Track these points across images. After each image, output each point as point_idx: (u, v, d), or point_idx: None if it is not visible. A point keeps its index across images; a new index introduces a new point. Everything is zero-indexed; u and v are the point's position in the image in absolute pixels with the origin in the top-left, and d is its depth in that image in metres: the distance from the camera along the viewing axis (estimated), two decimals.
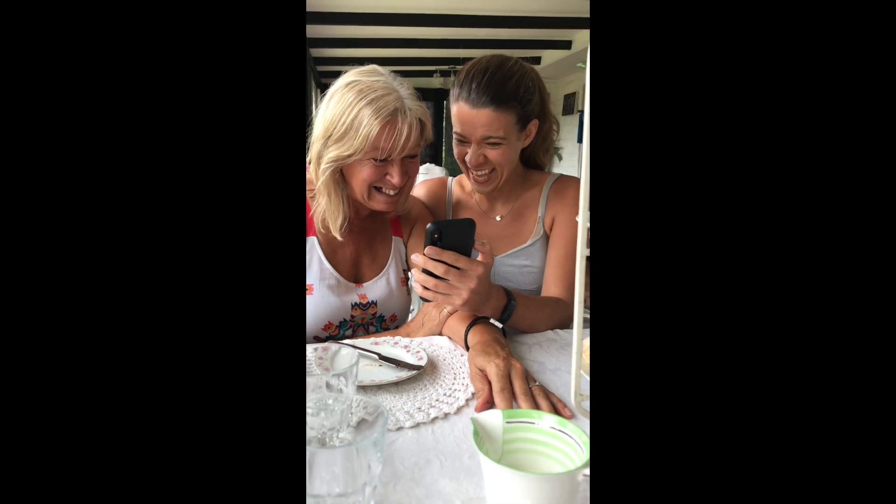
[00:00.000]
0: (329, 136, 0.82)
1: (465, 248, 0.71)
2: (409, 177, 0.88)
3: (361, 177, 0.84)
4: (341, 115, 0.80)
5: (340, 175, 0.87)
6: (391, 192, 0.87)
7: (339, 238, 0.90)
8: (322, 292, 0.90)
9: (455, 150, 1.00)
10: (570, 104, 6.89)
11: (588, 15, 0.35)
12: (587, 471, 0.39)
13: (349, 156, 0.81)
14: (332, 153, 0.82)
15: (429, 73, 6.55)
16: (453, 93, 0.95)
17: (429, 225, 0.68)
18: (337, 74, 0.90)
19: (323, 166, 0.84)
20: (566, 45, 5.44)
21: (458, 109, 0.93)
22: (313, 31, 4.70)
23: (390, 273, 0.98)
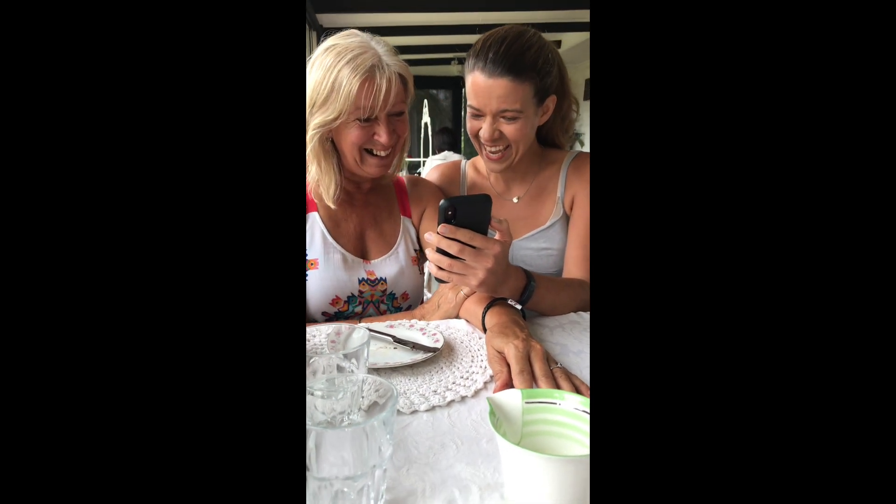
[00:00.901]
0: (314, 104, 0.82)
1: (480, 226, 0.68)
2: (397, 136, 0.86)
3: (350, 140, 0.83)
4: (322, 79, 0.80)
5: (331, 144, 0.87)
6: (382, 153, 0.86)
7: (332, 206, 0.89)
8: (327, 266, 0.89)
9: (468, 125, 0.95)
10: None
11: None
12: None
13: (334, 119, 0.80)
14: (317, 119, 0.81)
15: (446, 61, 6.47)
16: (468, 64, 0.90)
17: (442, 201, 0.65)
18: None
19: (310, 133, 0.83)
20: (587, 26, 5.30)
21: (473, 80, 0.89)
22: (328, 19, 4.68)
23: (399, 251, 0.96)
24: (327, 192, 0.88)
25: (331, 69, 0.79)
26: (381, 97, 0.79)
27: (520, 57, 0.86)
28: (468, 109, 0.94)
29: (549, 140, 1.07)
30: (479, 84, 0.88)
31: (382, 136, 0.83)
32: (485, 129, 0.90)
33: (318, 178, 0.87)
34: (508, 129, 0.90)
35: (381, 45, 0.82)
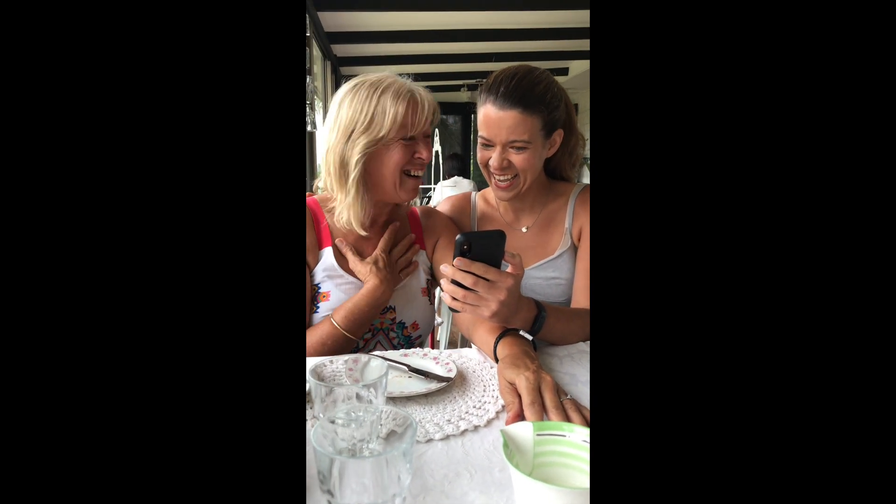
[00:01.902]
0: (352, 130, 0.87)
1: (494, 260, 0.71)
2: (430, 153, 0.94)
3: (394, 160, 0.89)
4: (362, 108, 0.86)
5: (366, 171, 0.92)
6: (419, 173, 0.93)
7: (362, 232, 0.93)
8: (338, 297, 0.92)
9: (479, 155, 1.01)
10: None
11: None
12: None
13: (382, 137, 0.87)
14: (362, 141, 0.87)
15: (456, 88, 6.61)
16: (480, 98, 0.96)
17: (458, 236, 0.68)
18: None
19: (355, 159, 0.88)
20: None
21: (485, 112, 0.94)
22: (342, 50, 4.83)
23: (411, 282, 1.00)
24: (357, 218, 0.91)
25: (369, 98, 0.87)
26: (426, 114, 0.89)
27: (529, 91, 0.91)
28: (479, 140, 0.99)
29: (557, 173, 1.11)
30: (490, 116, 0.93)
31: (424, 153, 0.91)
32: (494, 158, 0.95)
33: (353, 208, 0.90)
34: (517, 158, 0.95)
35: (405, 78, 0.92)
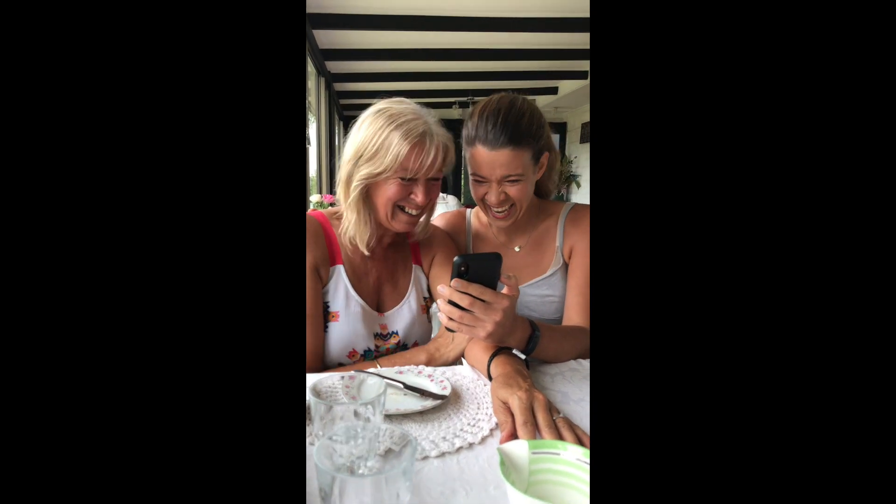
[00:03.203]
0: (360, 157, 0.88)
1: (491, 282, 0.73)
2: (430, 198, 0.92)
3: (387, 195, 0.89)
4: (372, 136, 0.86)
5: (367, 195, 0.92)
6: (413, 212, 0.91)
7: (366, 252, 0.94)
8: (347, 320, 0.93)
9: (473, 191, 1.01)
10: (587, 132, 6.96)
11: None
12: None
13: (380, 173, 0.86)
14: (363, 171, 0.88)
15: (448, 105, 6.70)
16: (468, 136, 0.97)
17: (456, 258, 0.70)
18: (359, 107, 0.95)
19: (354, 184, 0.89)
20: (583, 75, 5.53)
21: (476, 152, 0.95)
22: (336, 66, 4.88)
23: (411, 300, 1.01)
24: (363, 240, 0.93)
25: (382, 129, 0.86)
26: (428, 162, 0.87)
27: (517, 126, 0.93)
28: (471, 177, 1.00)
29: (540, 189, 1.14)
30: (483, 156, 0.94)
31: (419, 196, 0.89)
32: (492, 195, 0.97)
33: (356, 227, 0.92)
34: (512, 190, 0.97)
35: (430, 116, 0.91)
